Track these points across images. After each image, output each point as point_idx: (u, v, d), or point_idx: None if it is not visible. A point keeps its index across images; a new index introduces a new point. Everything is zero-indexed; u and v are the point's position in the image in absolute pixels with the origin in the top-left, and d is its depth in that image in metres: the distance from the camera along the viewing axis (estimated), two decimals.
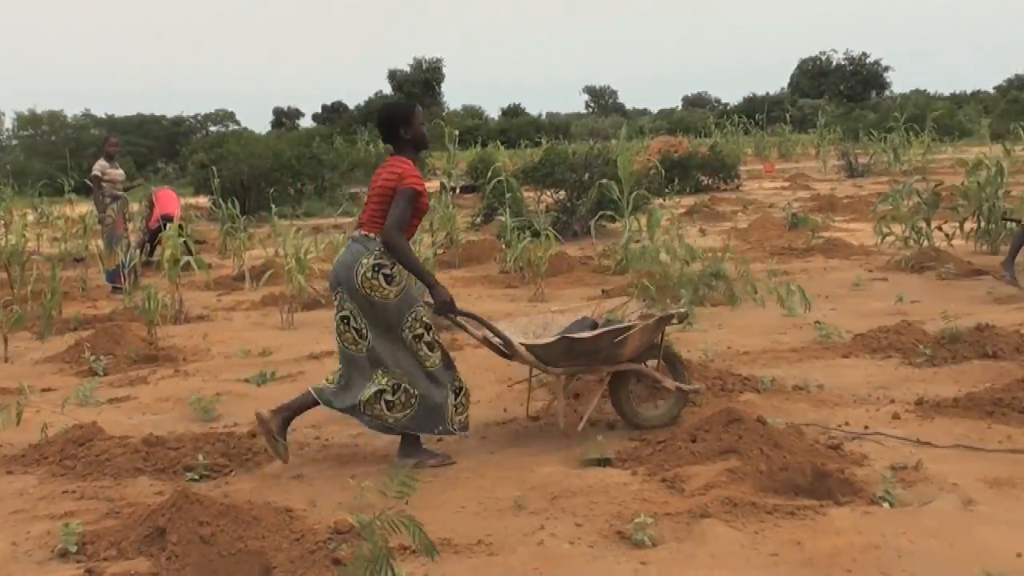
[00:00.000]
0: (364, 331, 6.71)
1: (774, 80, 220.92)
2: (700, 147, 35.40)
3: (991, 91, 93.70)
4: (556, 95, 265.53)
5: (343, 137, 53.03)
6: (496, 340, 7.10)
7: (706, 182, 30.74)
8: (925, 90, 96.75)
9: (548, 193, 22.86)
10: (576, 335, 7.00)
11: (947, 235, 15.78)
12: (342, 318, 6.78)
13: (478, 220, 22.03)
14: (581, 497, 5.89)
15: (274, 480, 6.61)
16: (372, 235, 6.74)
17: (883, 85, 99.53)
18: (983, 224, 15.94)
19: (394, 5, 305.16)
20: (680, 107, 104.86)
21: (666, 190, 26.06)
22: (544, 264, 13.81)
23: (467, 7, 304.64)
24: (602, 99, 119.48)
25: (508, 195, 17.89)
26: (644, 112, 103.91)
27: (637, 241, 15.65)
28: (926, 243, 15.68)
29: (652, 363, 7.39)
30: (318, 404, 6.87)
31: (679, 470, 6.07)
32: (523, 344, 6.97)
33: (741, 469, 5.93)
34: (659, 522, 5.38)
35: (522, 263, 14.82)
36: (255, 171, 28.88)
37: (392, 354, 6.72)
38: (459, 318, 7.03)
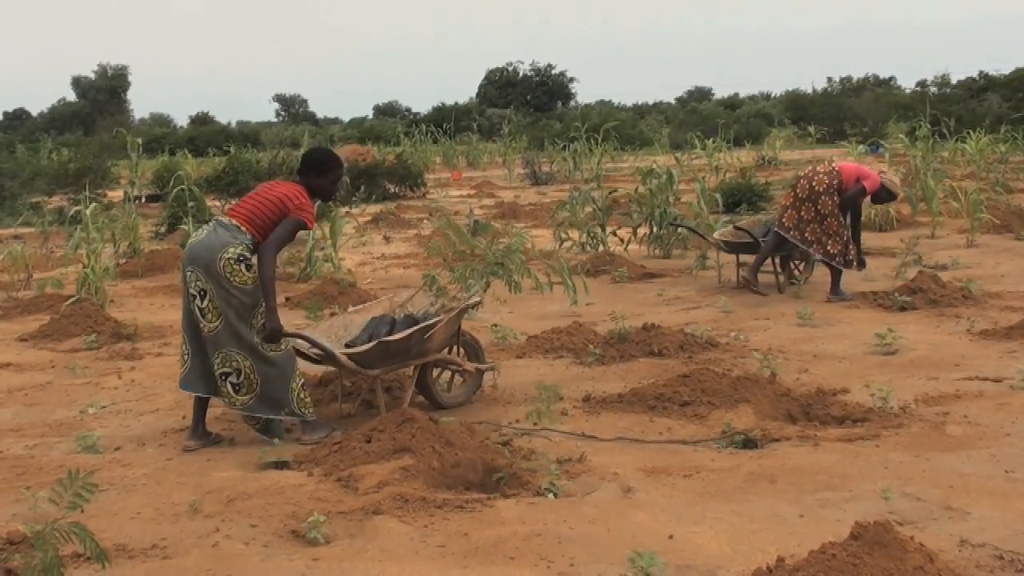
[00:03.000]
0: (218, 311, 7.02)
1: (463, 90, 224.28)
2: (388, 155, 35.63)
3: (672, 102, 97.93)
4: (247, 104, 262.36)
5: (25, 145, 51.12)
6: (313, 351, 7.38)
7: (393, 190, 30.94)
8: (610, 101, 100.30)
9: (233, 202, 22.72)
10: (390, 338, 7.34)
11: (622, 240, 16.42)
12: (198, 293, 7.04)
13: (162, 229, 21.61)
14: (257, 499, 5.94)
15: None
16: (243, 229, 7.14)
17: (569, 96, 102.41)
18: (655, 229, 16.60)
19: (78, 9, 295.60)
20: (371, 116, 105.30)
21: (353, 198, 26.21)
22: None
23: (155, 13, 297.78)
24: (293, 107, 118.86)
25: (192, 204, 17.65)
26: (335, 121, 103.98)
27: (322, 249, 15.72)
28: (601, 248, 16.33)
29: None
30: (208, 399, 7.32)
31: (354, 470, 6.18)
32: (344, 353, 7.25)
33: (414, 467, 6.10)
34: (332, 520, 5.50)
35: None
36: None
37: (238, 338, 7.04)
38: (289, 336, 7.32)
